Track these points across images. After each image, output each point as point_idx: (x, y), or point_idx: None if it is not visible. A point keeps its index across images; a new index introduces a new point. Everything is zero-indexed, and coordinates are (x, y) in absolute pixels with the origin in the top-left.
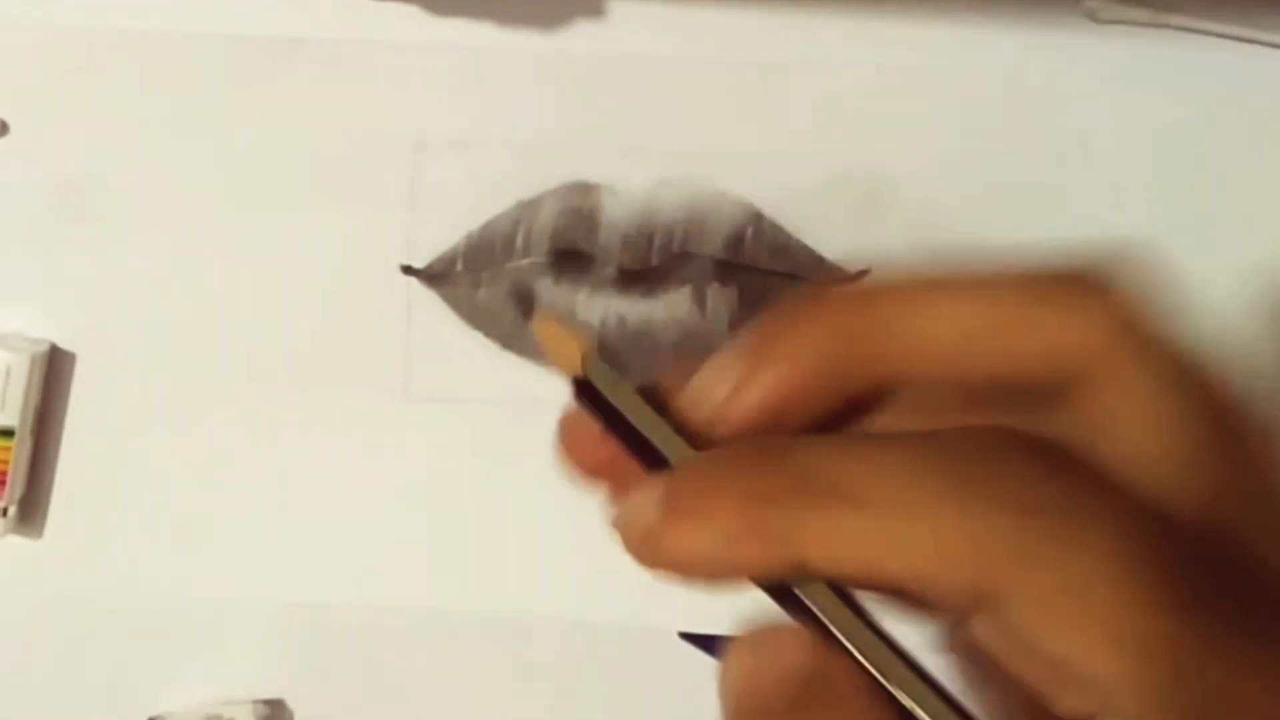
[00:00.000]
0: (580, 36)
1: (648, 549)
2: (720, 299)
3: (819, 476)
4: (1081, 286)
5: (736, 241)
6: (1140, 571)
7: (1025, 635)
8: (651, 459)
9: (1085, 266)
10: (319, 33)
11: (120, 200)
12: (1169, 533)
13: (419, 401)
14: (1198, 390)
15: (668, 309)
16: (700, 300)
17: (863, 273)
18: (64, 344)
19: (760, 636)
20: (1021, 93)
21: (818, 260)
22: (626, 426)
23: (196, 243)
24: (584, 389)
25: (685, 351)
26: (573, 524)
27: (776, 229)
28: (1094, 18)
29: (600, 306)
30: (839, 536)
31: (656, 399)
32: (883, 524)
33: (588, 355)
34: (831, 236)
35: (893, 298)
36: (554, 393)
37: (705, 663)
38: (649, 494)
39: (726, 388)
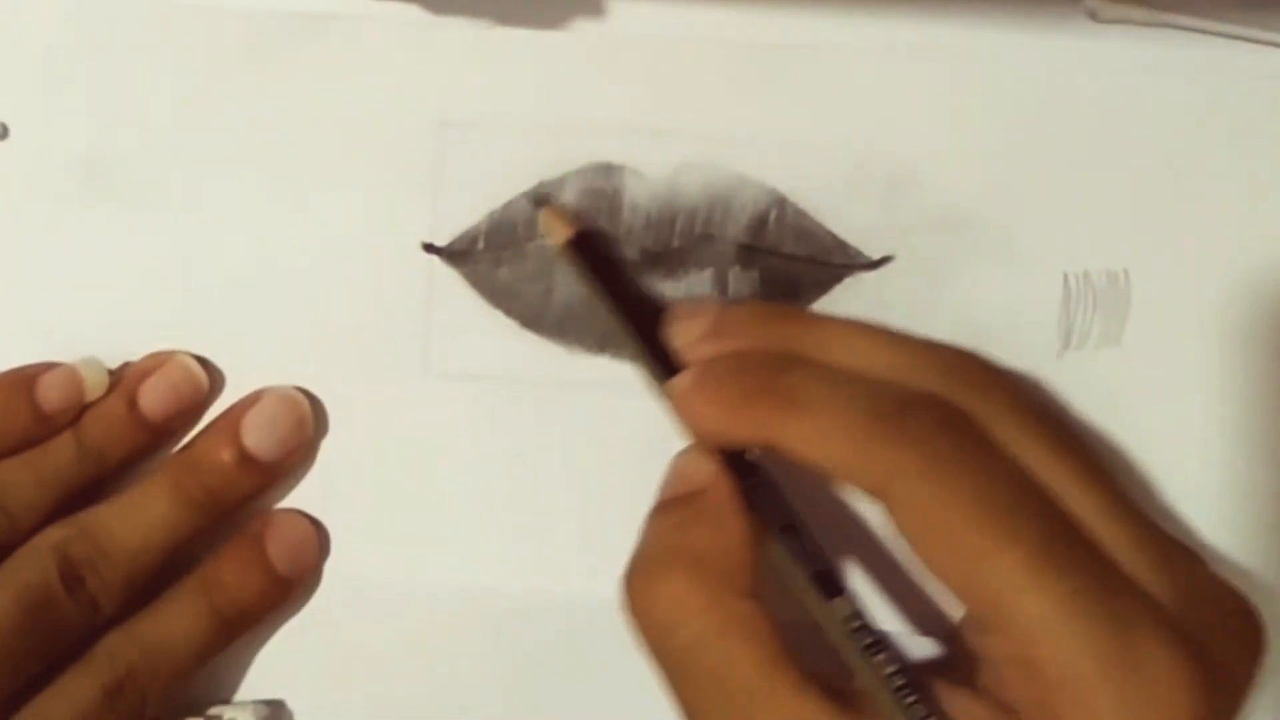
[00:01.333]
0: (607, 17)
1: (680, 406)
2: (742, 282)
3: (793, 389)
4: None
5: (759, 225)
6: (973, 512)
7: (896, 523)
8: (629, 309)
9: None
10: (344, 8)
11: (143, 176)
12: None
13: (439, 379)
14: None
15: (689, 291)
16: (722, 283)
17: (886, 259)
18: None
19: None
20: (1022, 90)
21: (840, 245)
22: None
23: (217, 219)
24: (580, 244)
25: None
26: (590, 503)
27: (799, 213)
28: (1094, 17)
29: None
30: (792, 432)
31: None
32: (820, 432)
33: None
34: (854, 221)
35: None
36: (574, 372)
37: None
38: (691, 371)
39: (693, 338)
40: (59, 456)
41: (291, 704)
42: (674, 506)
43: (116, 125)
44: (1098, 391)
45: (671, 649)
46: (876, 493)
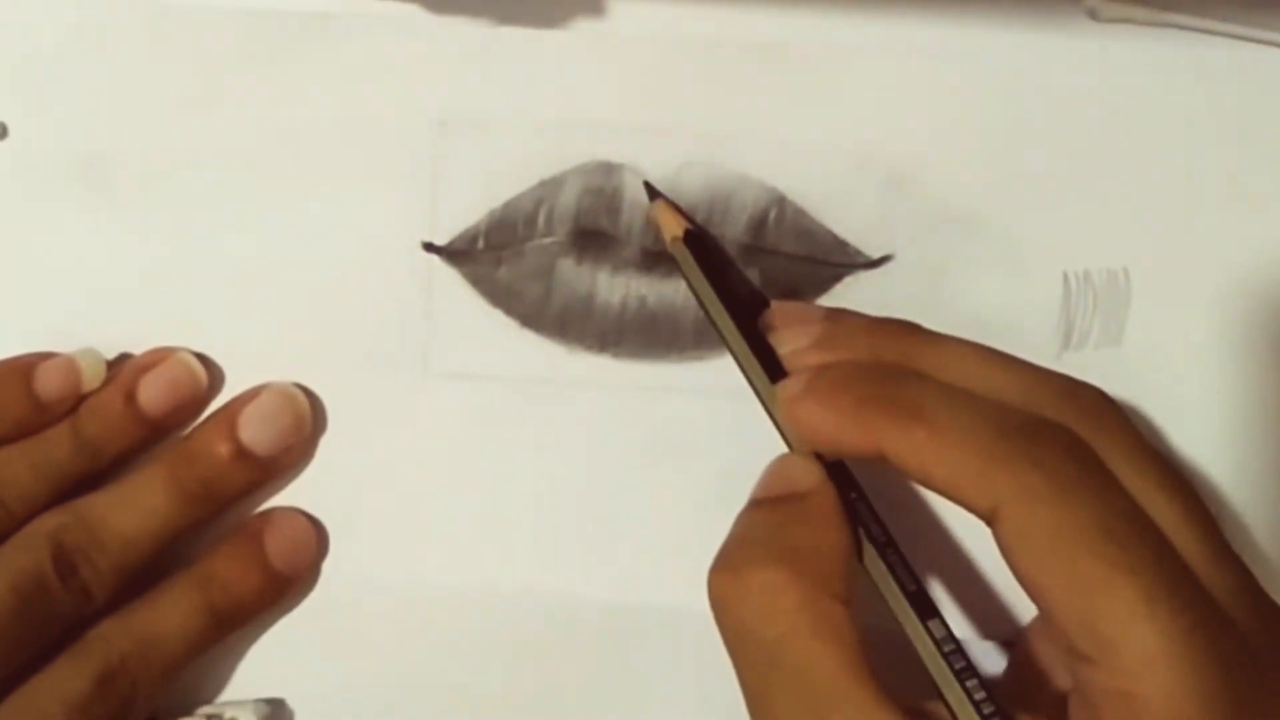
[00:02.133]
0: (606, 16)
1: (789, 410)
2: None
3: (913, 401)
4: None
5: (759, 224)
6: (1093, 540)
7: (1004, 545)
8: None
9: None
10: (344, 8)
11: (141, 175)
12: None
13: (439, 378)
14: None
15: (689, 291)
16: None
17: (886, 258)
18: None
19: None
20: (1022, 89)
21: (840, 244)
22: (721, 282)
23: (217, 218)
24: (691, 240)
25: (706, 333)
26: (589, 503)
27: (799, 213)
28: (1094, 17)
29: (621, 287)
30: (909, 443)
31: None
32: (939, 446)
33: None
34: (854, 221)
35: (923, 345)
36: (574, 372)
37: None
38: (801, 376)
39: (799, 346)
40: (55, 448)
41: (291, 702)
42: (774, 505)
43: (116, 125)
44: None
45: (758, 642)
46: (989, 512)
